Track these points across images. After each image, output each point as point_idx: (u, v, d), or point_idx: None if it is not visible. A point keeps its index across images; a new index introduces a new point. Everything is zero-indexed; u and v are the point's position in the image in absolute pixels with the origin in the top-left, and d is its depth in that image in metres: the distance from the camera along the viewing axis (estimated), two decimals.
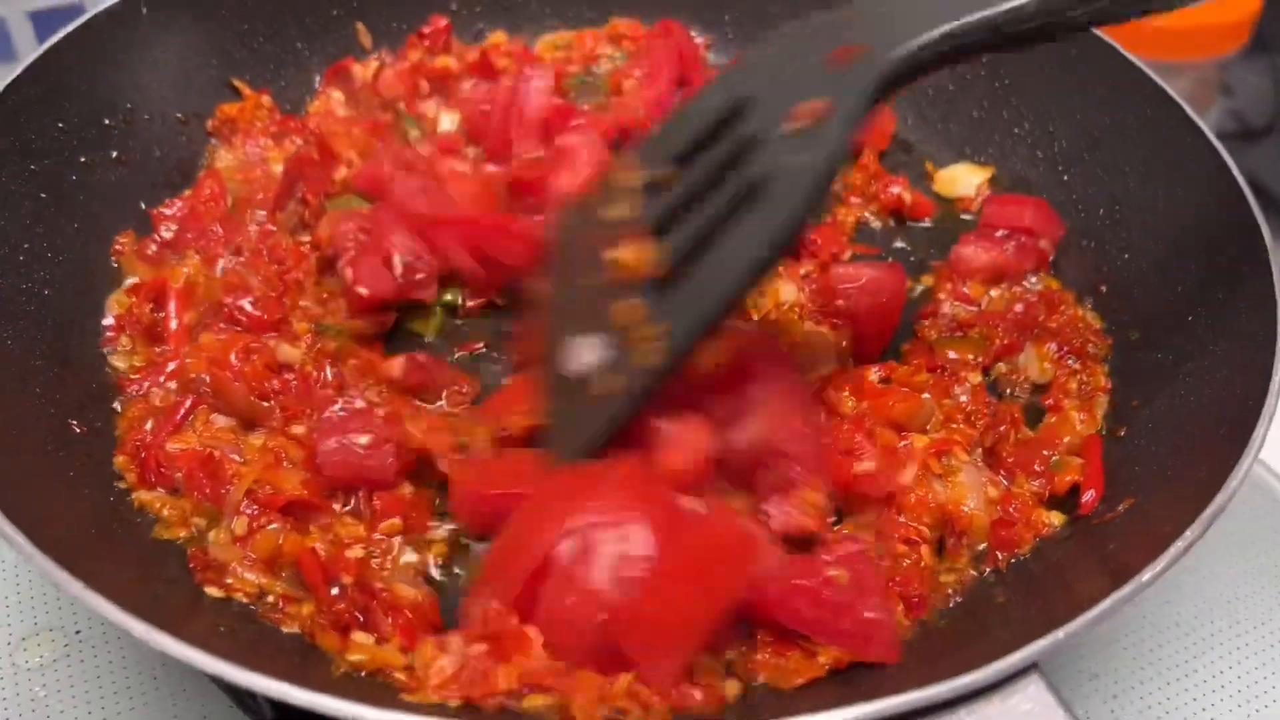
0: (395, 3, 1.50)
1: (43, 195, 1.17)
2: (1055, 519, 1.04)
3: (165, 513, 1.02)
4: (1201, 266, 1.15)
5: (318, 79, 1.45)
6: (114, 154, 1.26)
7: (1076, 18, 0.91)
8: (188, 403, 1.08)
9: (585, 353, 1.01)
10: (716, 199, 0.97)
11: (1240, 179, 1.15)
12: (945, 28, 0.90)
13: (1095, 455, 1.08)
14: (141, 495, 1.03)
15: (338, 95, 1.44)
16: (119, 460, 1.05)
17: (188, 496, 1.03)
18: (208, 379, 1.08)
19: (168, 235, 1.24)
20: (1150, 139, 1.27)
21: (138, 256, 1.22)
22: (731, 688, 0.91)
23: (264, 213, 1.25)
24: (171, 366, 1.11)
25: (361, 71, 1.44)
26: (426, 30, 1.47)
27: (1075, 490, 1.06)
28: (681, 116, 1.05)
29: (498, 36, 1.52)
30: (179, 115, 1.34)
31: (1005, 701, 0.80)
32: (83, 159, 1.23)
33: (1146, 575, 0.84)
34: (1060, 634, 0.80)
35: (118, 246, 1.22)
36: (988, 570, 1.01)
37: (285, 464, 1.04)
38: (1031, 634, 0.81)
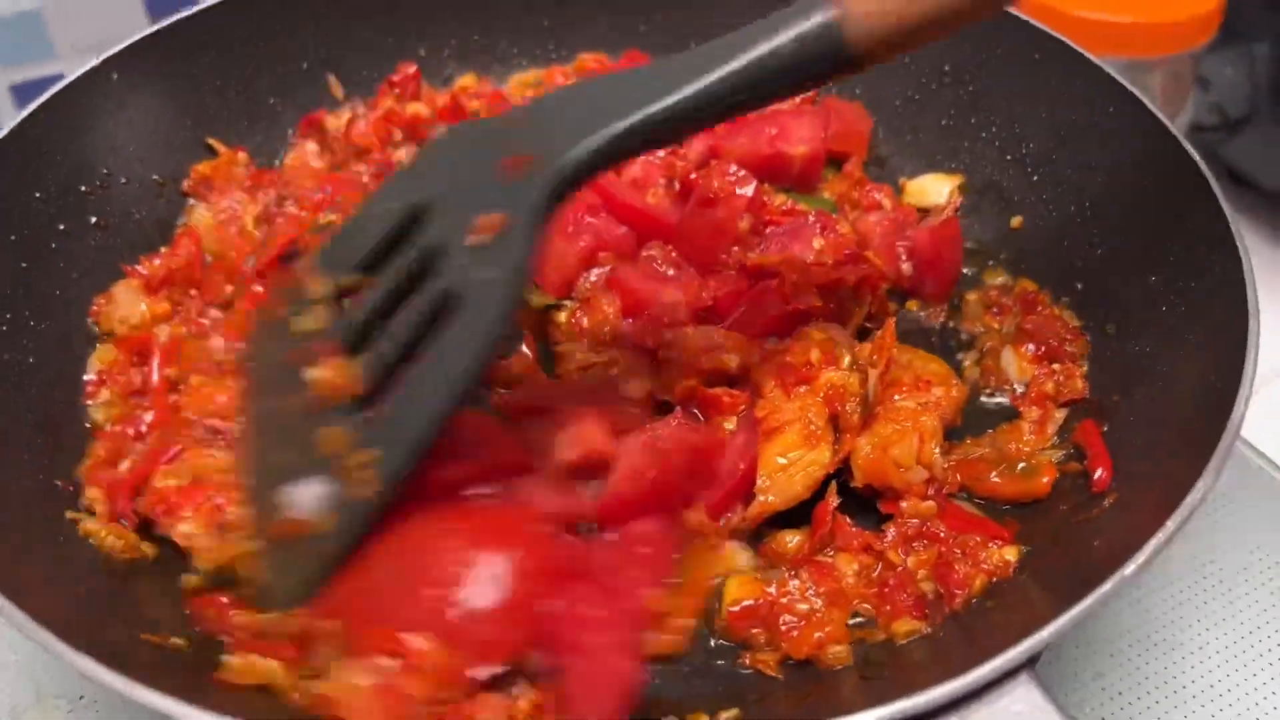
0: (364, 52, 1.51)
1: (23, 264, 1.18)
2: (1010, 555, 1.02)
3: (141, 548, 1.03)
4: (1172, 257, 1.15)
5: (291, 132, 1.47)
6: (93, 219, 1.27)
7: (740, 102, 0.93)
8: (175, 449, 1.09)
9: (304, 497, 0.95)
10: (410, 311, 0.96)
11: (1204, 168, 1.15)
12: (606, 132, 0.92)
13: (1095, 436, 1.08)
14: (106, 531, 1.04)
15: (311, 147, 1.46)
16: (90, 493, 1.06)
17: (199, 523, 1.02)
18: (201, 421, 1.10)
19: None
20: (1115, 136, 1.27)
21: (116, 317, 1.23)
22: None
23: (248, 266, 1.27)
24: (150, 416, 1.13)
25: (334, 122, 1.46)
26: (396, 78, 1.48)
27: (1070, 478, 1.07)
28: (360, 221, 1.03)
29: (467, 79, 1.54)
30: (155, 177, 1.35)
31: (995, 704, 0.80)
32: (61, 226, 1.24)
33: (1130, 569, 0.84)
34: (1045, 633, 0.80)
35: (95, 308, 1.23)
36: None
37: None
38: (1018, 635, 0.80)
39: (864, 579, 0.99)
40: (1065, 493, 1.07)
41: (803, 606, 0.96)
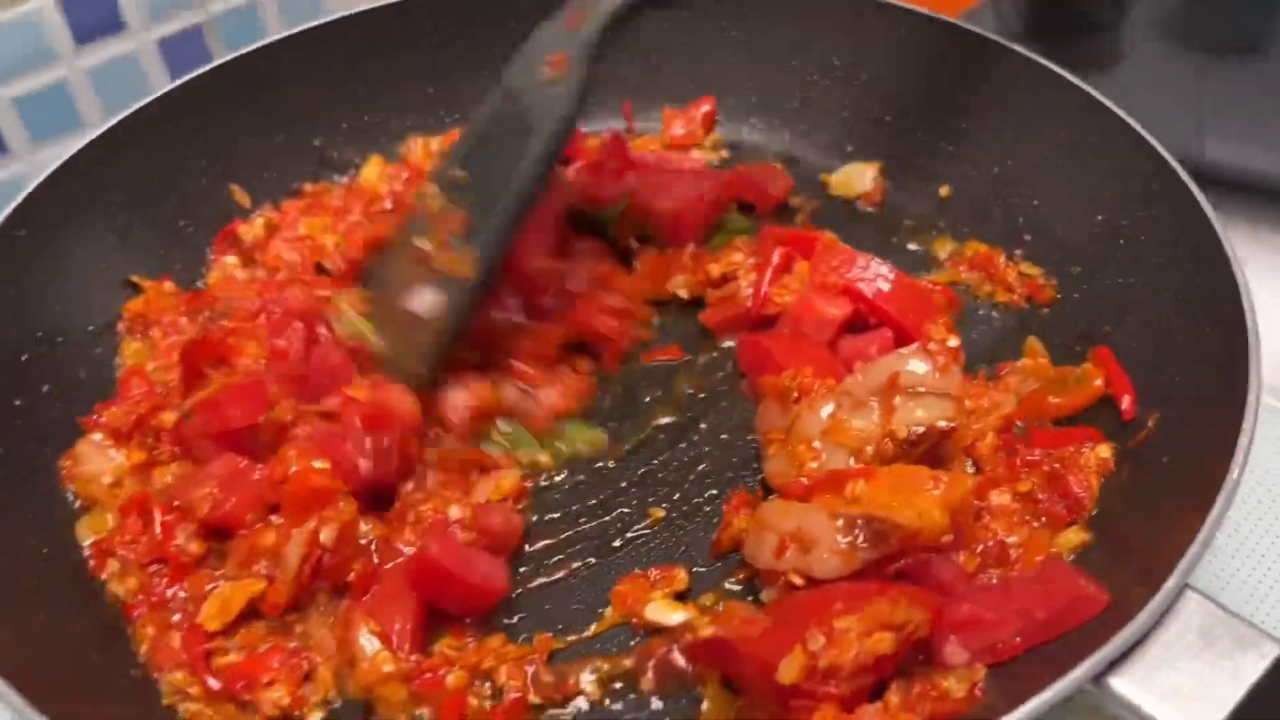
0: (259, 154, 1.45)
1: None
2: (1105, 452, 1.10)
3: None
4: (1108, 193, 1.26)
5: (209, 250, 1.39)
6: (44, 388, 1.18)
7: None
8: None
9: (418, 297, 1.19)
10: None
11: (1098, 95, 1.28)
12: None
13: (1111, 362, 1.16)
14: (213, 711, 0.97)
15: (231, 259, 1.39)
16: (171, 678, 0.99)
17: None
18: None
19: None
20: (1011, 93, 1.38)
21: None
22: None
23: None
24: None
25: (249, 230, 1.39)
26: (306, 189, 1.47)
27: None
28: (464, 134, 1.25)
29: (374, 162, 1.50)
30: (91, 328, 1.26)
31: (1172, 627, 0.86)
32: (17, 402, 1.14)
33: (1235, 471, 0.92)
34: (1197, 546, 0.87)
35: (64, 471, 1.14)
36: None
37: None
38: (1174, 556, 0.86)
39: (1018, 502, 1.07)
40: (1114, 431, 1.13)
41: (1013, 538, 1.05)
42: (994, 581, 1.02)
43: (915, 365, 1.07)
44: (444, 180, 1.22)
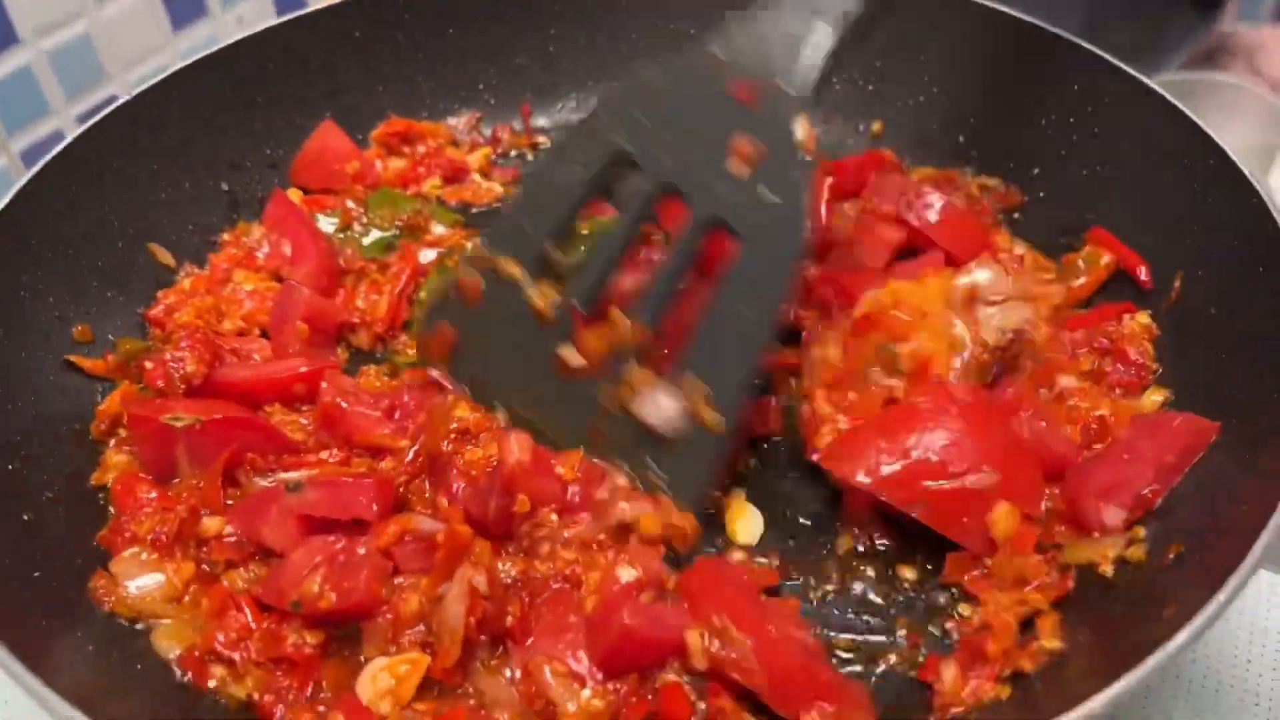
0: (173, 206, 1.29)
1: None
2: (1143, 319, 1.18)
3: None
4: (1049, 95, 1.34)
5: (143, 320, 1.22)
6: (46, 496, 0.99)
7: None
8: None
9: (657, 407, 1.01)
10: (675, 252, 1.00)
11: (1017, 13, 1.35)
12: (831, 32, 1.00)
13: (1111, 239, 1.23)
14: None
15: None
16: None
17: None
18: None
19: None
20: (915, 21, 1.42)
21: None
22: None
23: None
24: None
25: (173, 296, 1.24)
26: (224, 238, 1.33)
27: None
28: (546, 190, 1.04)
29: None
30: (68, 427, 1.08)
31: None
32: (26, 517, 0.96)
33: None
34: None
35: (99, 592, 0.97)
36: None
37: None
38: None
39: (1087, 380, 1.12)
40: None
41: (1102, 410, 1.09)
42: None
43: (988, 275, 1.10)
44: (525, 254, 1.03)
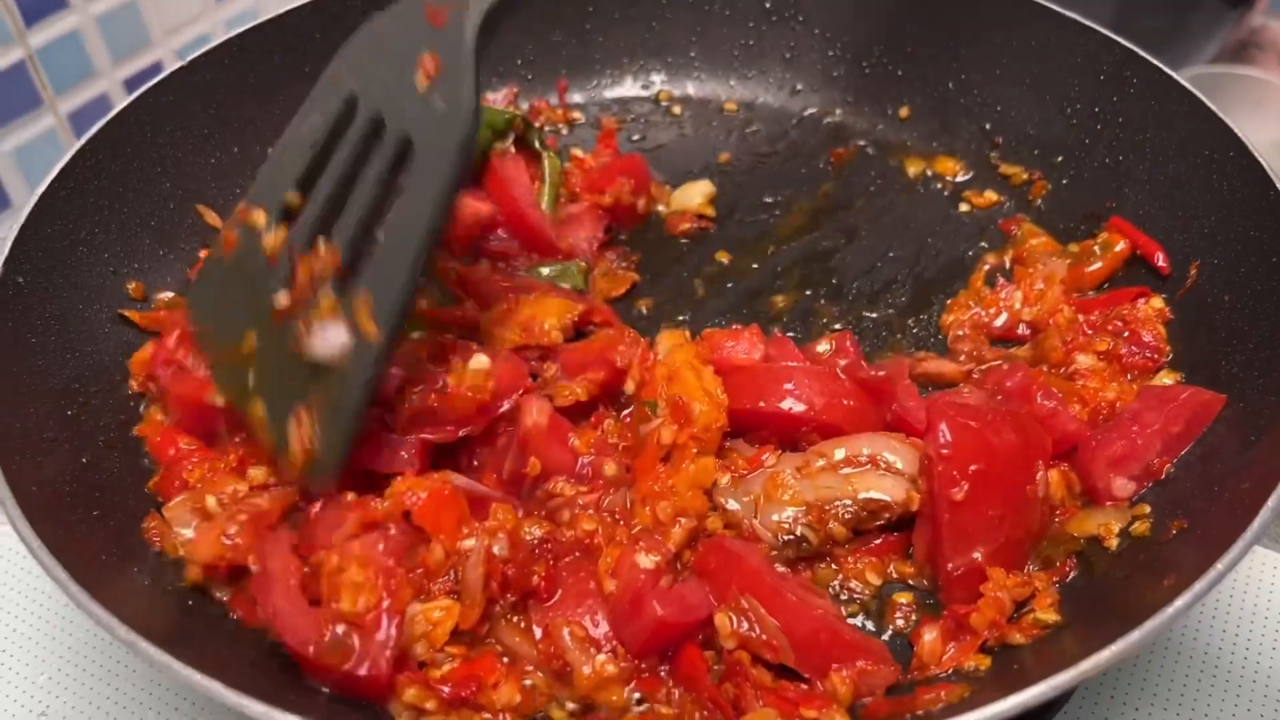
0: (219, 174, 1.34)
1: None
2: (1157, 303, 1.21)
3: None
4: (1078, 84, 1.38)
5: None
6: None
7: None
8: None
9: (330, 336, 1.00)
10: (367, 174, 1.03)
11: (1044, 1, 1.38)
12: None
13: (1129, 227, 1.27)
14: None
15: None
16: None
17: None
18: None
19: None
20: (945, 9, 1.47)
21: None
22: None
23: None
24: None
25: None
26: None
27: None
28: (286, 146, 1.07)
29: None
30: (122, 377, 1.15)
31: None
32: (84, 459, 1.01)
33: None
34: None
35: (151, 533, 1.01)
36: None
37: None
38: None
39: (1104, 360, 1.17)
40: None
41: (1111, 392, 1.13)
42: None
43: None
44: (272, 204, 1.04)
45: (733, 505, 1.04)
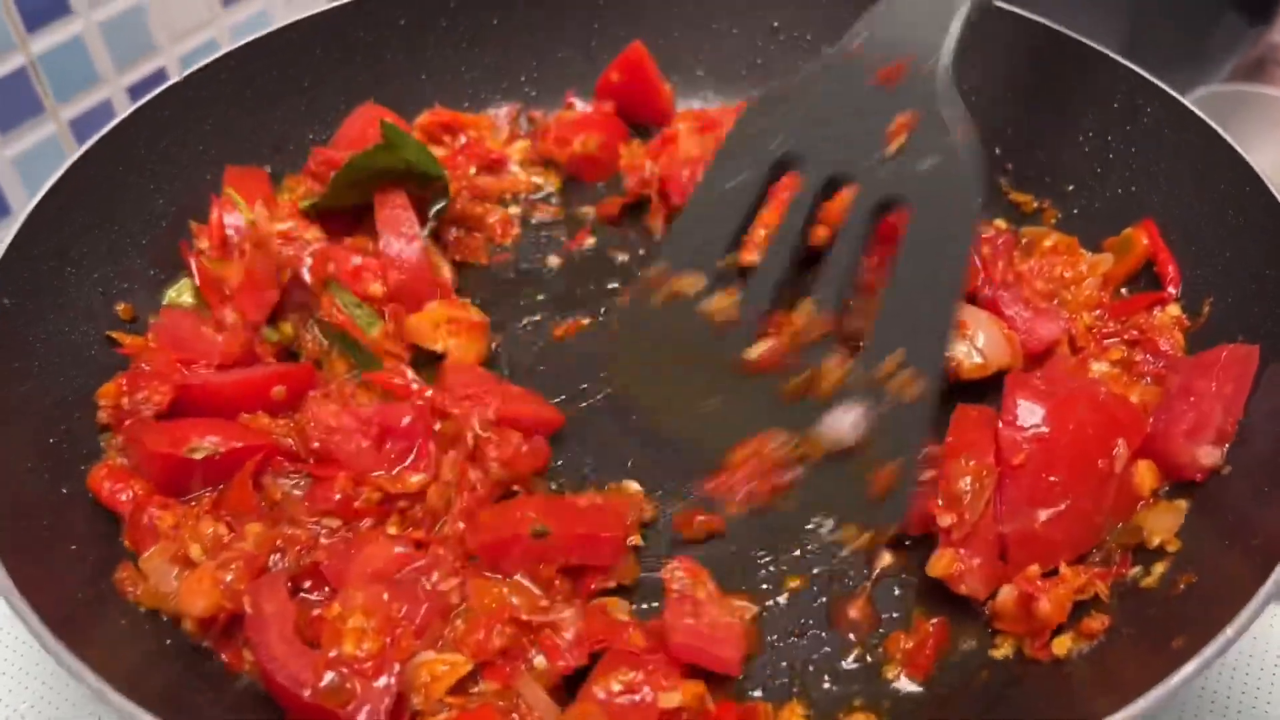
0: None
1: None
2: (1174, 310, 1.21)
3: None
4: (1089, 112, 1.35)
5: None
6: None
7: None
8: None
9: (844, 420, 1.03)
10: (848, 237, 1.05)
11: (1059, 27, 1.35)
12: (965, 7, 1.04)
13: (1152, 231, 1.24)
14: None
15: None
16: None
17: None
18: None
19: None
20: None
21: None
22: None
23: None
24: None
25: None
26: None
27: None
28: (714, 201, 1.09)
29: None
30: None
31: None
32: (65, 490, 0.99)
33: None
34: None
35: (122, 580, 0.98)
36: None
37: None
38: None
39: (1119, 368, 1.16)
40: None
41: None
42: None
43: None
44: (705, 265, 1.08)
45: None
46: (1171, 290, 1.21)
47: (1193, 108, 1.25)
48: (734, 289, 1.08)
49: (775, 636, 1.01)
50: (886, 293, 1.03)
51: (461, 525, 1.00)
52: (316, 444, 1.04)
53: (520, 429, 1.06)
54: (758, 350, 1.05)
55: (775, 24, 1.53)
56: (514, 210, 1.43)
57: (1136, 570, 1.01)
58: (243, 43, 1.35)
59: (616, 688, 0.91)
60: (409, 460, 1.04)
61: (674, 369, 1.10)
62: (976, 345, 1.14)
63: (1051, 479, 0.99)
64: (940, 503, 1.00)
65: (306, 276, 1.16)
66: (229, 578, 0.93)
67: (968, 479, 1.00)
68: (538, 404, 1.14)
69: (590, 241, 1.39)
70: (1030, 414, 1.01)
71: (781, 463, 1.06)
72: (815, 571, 1.05)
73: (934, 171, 1.00)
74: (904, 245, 1.03)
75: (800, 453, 1.05)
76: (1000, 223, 1.38)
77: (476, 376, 1.14)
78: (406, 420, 1.05)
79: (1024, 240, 1.32)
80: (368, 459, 1.04)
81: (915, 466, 1.02)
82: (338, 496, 1.02)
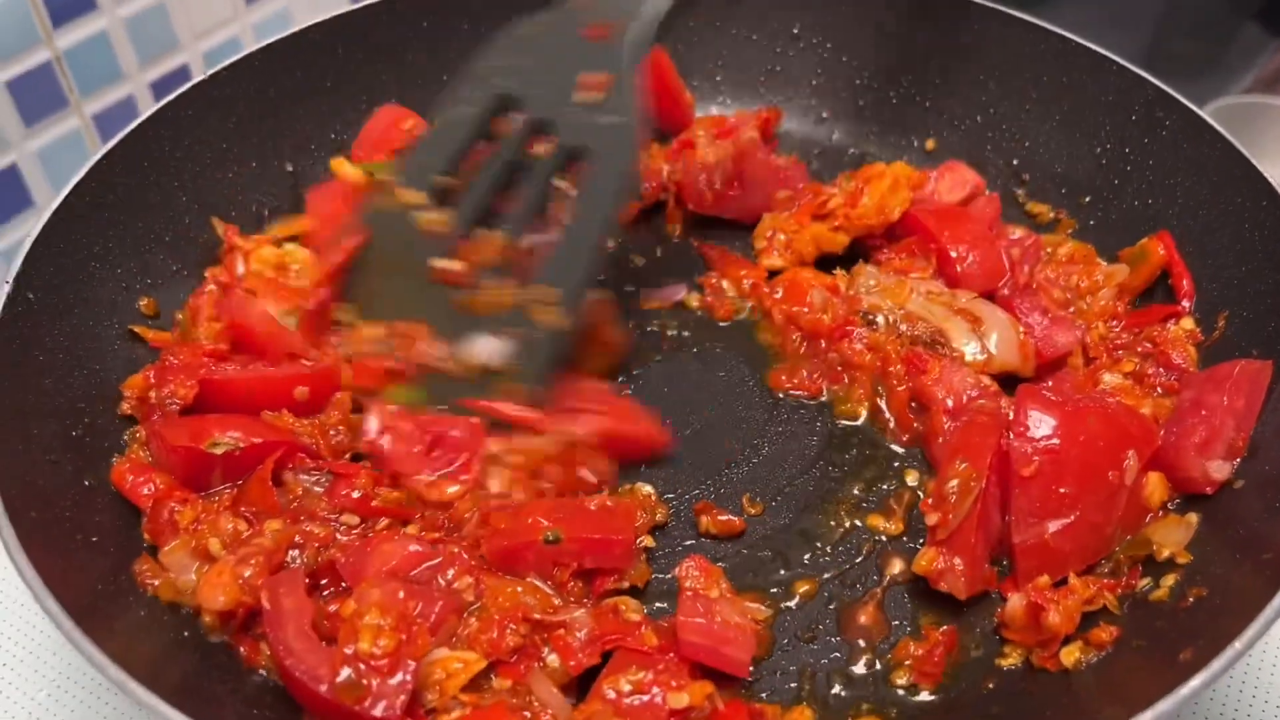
0: (237, 186, 1.33)
1: None
2: (1188, 324, 1.21)
3: None
4: (1109, 125, 1.35)
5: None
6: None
7: None
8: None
9: (485, 347, 1.11)
10: (537, 174, 1.15)
11: (1079, 39, 1.36)
12: None
13: (1169, 242, 1.25)
14: None
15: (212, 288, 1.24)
16: None
17: None
18: None
19: None
20: (976, 43, 1.45)
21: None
22: None
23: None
24: None
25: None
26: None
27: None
28: (439, 130, 1.19)
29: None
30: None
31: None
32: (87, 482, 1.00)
33: None
34: None
35: (142, 575, 0.99)
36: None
37: None
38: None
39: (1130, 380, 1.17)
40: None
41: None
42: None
43: None
44: (423, 185, 1.15)
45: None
46: (1186, 304, 1.22)
47: (1211, 121, 1.25)
48: (446, 210, 1.16)
49: (785, 640, 1.02)
50: (553, 232, 1.13)
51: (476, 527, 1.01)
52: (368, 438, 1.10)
53: (624, 448, 1.13)
54: (444, 263, 1.12)
55: (795, 30, 1.54)
56: None
57: (1146, 582, 1.02)
58: (267, 42, 1.36)
59: (626, 687, 0.92)
60: (450, 469, 1.06)
61: (383, 268, 1.17)
62: (987, 342, 1.18)
63: (1062, 490, 1.00)
64: (929, 501, 1.03)
65: None
66: (248, 573, 0.94)
67: (955, 481, 1.01)
68: (650, 423, 1.17)
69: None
70: (1041, 425, 1.02)
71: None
72: (826, 577, 1.06)
73: (609, 129, 1.12)
74: (575, 195, 1.13)
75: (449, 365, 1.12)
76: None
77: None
78: (456, 433, 1.08)
79: (1045, 251, 1.32)
80: (413, 463, 1.06)
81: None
82: (357, 494, 1.03)
